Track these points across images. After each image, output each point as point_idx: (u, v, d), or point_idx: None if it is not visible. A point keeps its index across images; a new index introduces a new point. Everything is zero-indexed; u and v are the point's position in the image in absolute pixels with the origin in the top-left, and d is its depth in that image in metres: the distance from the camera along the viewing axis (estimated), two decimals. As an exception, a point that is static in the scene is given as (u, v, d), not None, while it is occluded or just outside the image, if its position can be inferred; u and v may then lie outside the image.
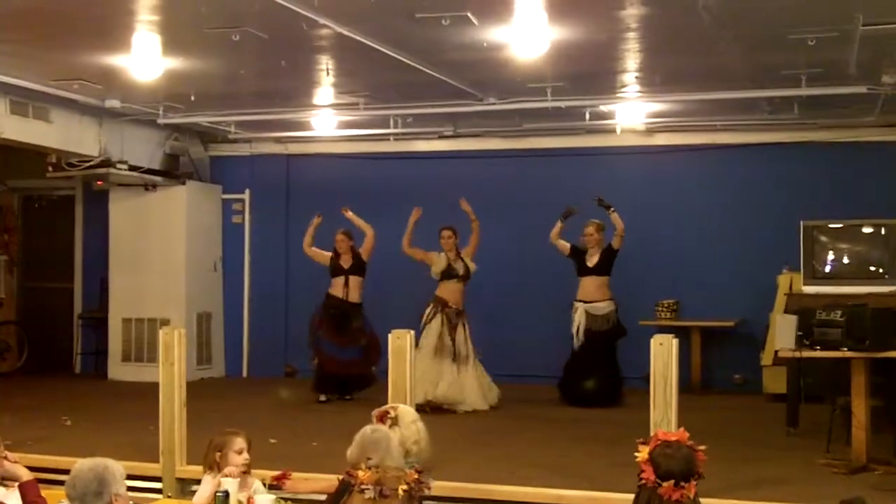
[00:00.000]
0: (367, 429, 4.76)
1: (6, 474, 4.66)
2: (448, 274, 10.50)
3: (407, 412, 5.29)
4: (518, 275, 12.34)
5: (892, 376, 8.09)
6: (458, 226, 10.64)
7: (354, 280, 10.86)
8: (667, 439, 3.60)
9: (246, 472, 5.32)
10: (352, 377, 10.87)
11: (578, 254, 10.73)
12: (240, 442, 5.34)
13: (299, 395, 11.11)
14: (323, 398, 10.81)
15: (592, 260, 10.65)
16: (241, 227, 13.56)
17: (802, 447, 8.22)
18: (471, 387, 10.30)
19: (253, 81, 9.97)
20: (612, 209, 10.53)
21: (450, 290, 10.51)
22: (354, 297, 10.85)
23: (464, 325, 10.46)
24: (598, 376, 10.56)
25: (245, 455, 5.31)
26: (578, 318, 10.60)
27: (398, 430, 5.07)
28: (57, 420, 9.49)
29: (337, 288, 10.86)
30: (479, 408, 10.27)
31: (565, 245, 10.77)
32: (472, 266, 10.56)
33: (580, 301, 10.65)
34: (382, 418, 5.08)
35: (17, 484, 4.60)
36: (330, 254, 10.95)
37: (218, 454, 5.33)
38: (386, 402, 6.60)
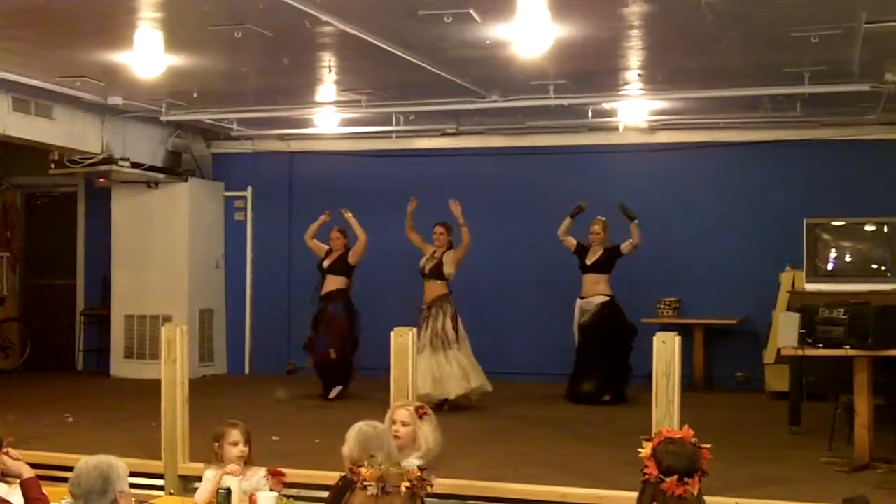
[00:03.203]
0: (364, 425, 4.74)
1: (8, 471, 4.66)
2: (421, 271, 10.47)
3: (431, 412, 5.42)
4: (519, 272, 12.34)
5: (894, 374, 8.08)
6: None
7: (332, 278, 10.92)
8: (671, 436, 3.61)
9: (246, 463, 5.34)
10: (326, 366, 10.84)
11: (582, 251, 10.75)
12: (235, 434, 5.36)
13: (300, 392, 11.11)
14: (332, 395, 10.80)
15: (592, 257, 10.67)
16: (243, 224, 13.56)
17: (805, 445, 8.22)
18: (448, 373, 10.07)
19: (255, 79, 9.97)
20: (636, 221, 10.54)
21: (426, 289, 10.41)
22: (328, 289, 10.89)
23: (438, 314, 10.21)
24: (597, 372, 10.52)
25: (240, 448, 5.32)
26: (575, 316, 10.66)
27: (426, 425, 5.18)
28: (59, 417, 9.50)
29: (319, 288, 10.99)
30: (461, 392, 10.04)
31: (572, 242, 10.77)
32: (449, 269, 10.31)
33: (580, 298, 10.70)
34: (422, 411, 5.19)
35: (18, 481, 4.61)
36: (326, 248, 11.03)
37: (216, 445, 5.38)
38: (387, 399, 6.62)
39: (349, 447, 4.63)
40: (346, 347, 10.86)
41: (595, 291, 10.62)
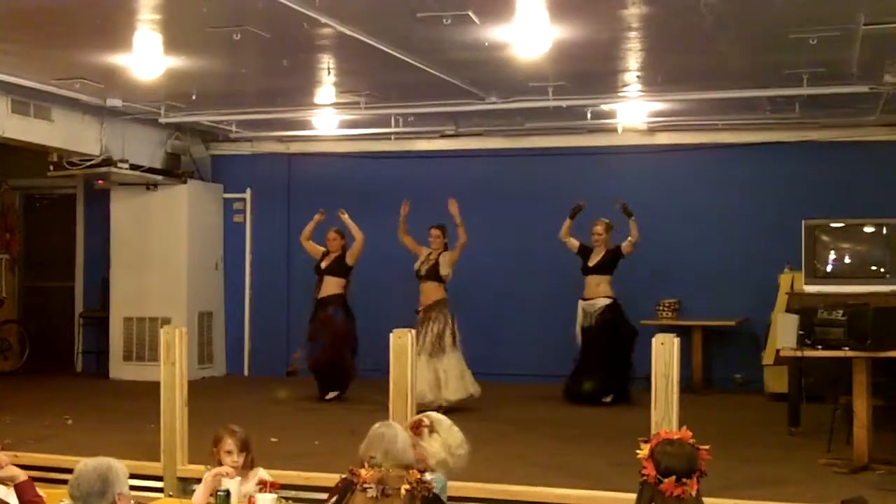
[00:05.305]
0: (379, 425, 4.73)
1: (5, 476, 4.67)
2: (416, 273, 10.45)
3: (442, 418, 5.01)
4: (518, 274, 12.34)
5: (893, 376, 8.09)
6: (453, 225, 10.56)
7: (329, 280, 10.88)
8: (669, 437, 3.61)
9: (244, 467, 5.34)
10: (324, 370, 10.84)
11: (584, 252, 10.74)
12: (228, 443, 5.35)
13: (298, 394, 11.11)
14: (330, 396, 10.81)
15: (594, 259, 10.67)
16: (242, 226, 13.57)
17: (804, 447, 8.22)
18: (446, 378, 10.03)
19: (254, 80, 9.97)
20: (633, 217, 10.54)
21: (422, 291, 10.39)
22: (326, 291, 10.86)
23: (437, 319, 10.19)
24: (598, 374, 10.50)
25: (233, 458, 5.31)
26: (578, 317, 10.64)
27: (438, 437, 4.83)
28: (58, 419, 9.50)
29: (317, 290, 10.96)
30: (460, 397, 10.01)
31: (574, 243, 10.78)
32: (445, 271, 10.31)
33: (582, 299, 10.69)
34: (417, 428, 4.80)
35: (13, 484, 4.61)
36: (323, 249, 11.01)
37: (214, 449, 5.38)
38: (386, 402, 6.61)
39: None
40: (345, 352, 10.85)
41: (597, 293, 10.62)
